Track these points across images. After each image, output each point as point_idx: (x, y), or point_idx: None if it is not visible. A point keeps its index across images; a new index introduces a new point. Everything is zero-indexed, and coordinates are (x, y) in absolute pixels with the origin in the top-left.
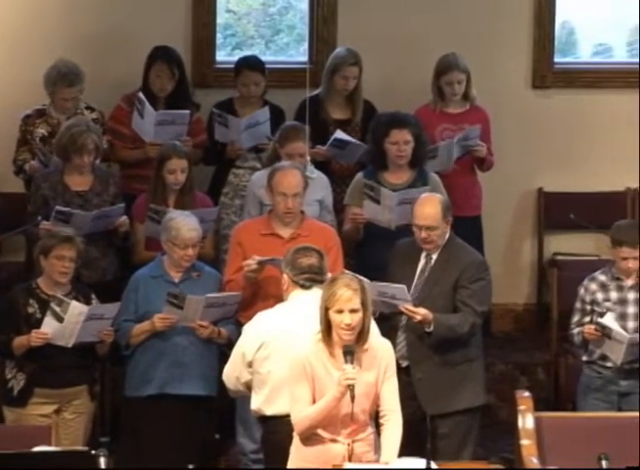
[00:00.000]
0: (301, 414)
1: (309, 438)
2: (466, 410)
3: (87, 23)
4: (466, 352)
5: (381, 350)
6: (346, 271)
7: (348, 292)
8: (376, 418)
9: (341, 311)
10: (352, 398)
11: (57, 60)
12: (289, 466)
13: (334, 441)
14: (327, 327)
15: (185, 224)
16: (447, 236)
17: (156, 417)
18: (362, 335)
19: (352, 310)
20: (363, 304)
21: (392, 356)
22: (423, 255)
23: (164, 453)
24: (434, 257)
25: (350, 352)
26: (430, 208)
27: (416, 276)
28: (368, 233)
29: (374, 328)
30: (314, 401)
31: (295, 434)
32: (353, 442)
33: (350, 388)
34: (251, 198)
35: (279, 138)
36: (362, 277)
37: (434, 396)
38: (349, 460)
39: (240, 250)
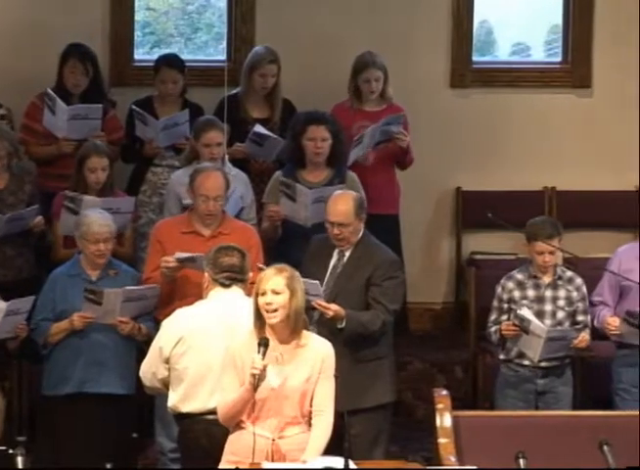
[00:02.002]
0: (221, 402)
1: (238, 430)
2: (376, 407)
3: (5, 19)
4: (376, 349)
5: (319, 349)
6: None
7: (271, 272)
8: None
9: (264, 292)
10: (255, 388)
11: None
12: (223, 457)
13: (259, 435)
14: (259, 317)
15: (96, 219)
16: (361, 234)
17: (73, 416)
18: (290, 322)
19: (274, 292)
20: (289, 288)
21: (332, 358)
22: (336, 251)
23: (82, 453)
24: (347, 254)
25: (264, 344)
26: (342, 204)
27: (328, 273)
28: (286, 231)
29: None
30: None
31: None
32: (279, 438)
33: (255, 377)
34: (172, 196)
35: (195, 132)
36: None
37: (344, 392)
38: (272, 457)
39: (160, 248)
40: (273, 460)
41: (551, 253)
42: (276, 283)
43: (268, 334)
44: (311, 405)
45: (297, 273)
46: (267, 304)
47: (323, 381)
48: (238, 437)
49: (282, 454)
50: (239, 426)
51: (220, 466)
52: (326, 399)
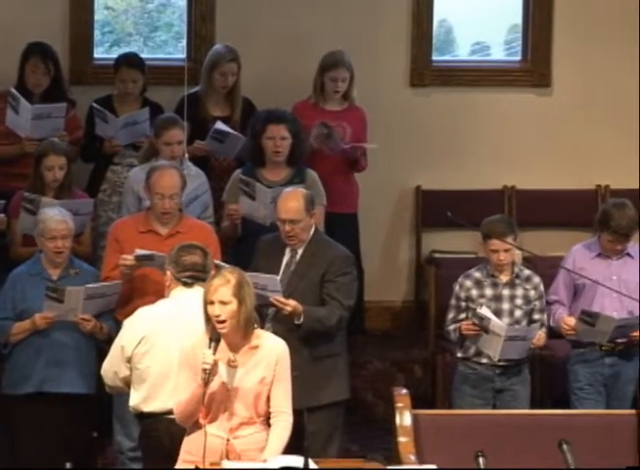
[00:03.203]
0: (175, 401)
1: (194, 429)
2: (331, 404)
3: None
4: (331, 346)
5: (273, 349)
6: (226, 265)
7: (219, 283)
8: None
9: (212, 303)
10: (206, 383)
11: None
12: (179, 457)
13: (214, 434)
14: (208, 319)
15: (53, 216)
16: (312, 231)
17: (33, 416)
18: (240, 329)
19: (222, 302)
20: (236, 296)
21: (287, 357)
22: (287, 249)
23: (41, 452)
24: (300, 251)
25: (216, 340)
26: (292, 201)
27: (281, 270)
28: (246, 230)
29: None
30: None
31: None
32: (234, 438)
33: (206, 372)
34: (130, 194)
35: (155, 129)
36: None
37: (301, 389)
38: (227, 457)
39: (117, 246)
40: (228, 460)
41: (506, 251)
42: (223, 294)
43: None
44: (268, 406)
45: (246, 276)
46: (215, 316)
47: (279, 381)
48: (193, 436)
49: (237, 454)
50: (195, 426)
51: (177, 466)
52: (284, 400)
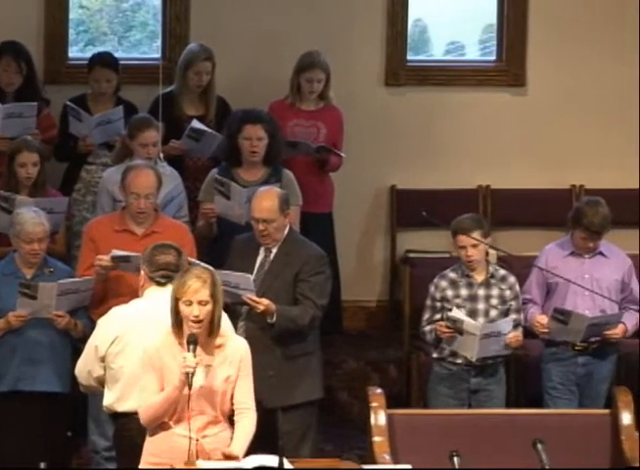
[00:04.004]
0: (145, 404)
1: (159, 431)
2: (304, 404)
3: None
4: (305, 345)
5: (237, 348)
6: (200, 263)
7: (197, 283)
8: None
9: (189, 303)
10: (190, 386)
11: None
12: (142, 459)
13: (182, 435)
14: (177, 318)
15: (30, 218)
16: (286, 230)
17: (7, 414)
18: (213, 328)
19: (200, 302)
20: (213, 296)
21: (248, 355)
22: (262, 249)
23: (16, 451)
24: (274, 250)
25: (194, 342)
26: (266, 201)
27: (255, 270)
28: (221, 229)
29: (228, 325)
30: None
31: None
32: (202, 437)
33: (189, 376)
34: (104, 194)
35: (130, 130)
36: (205, 265)
37: (274, 389)
38: (197, 456)
39: (93, 246)
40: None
41: (473, 246)
42: (203, 295)
43: (180, 338)
44: (231, 404)
45: (217, 276)
46: (195, 316)
47: (243, 379)
48: (159, 438)
49: (206, 453)
50: (160, 427)
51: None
52: (247, 396)
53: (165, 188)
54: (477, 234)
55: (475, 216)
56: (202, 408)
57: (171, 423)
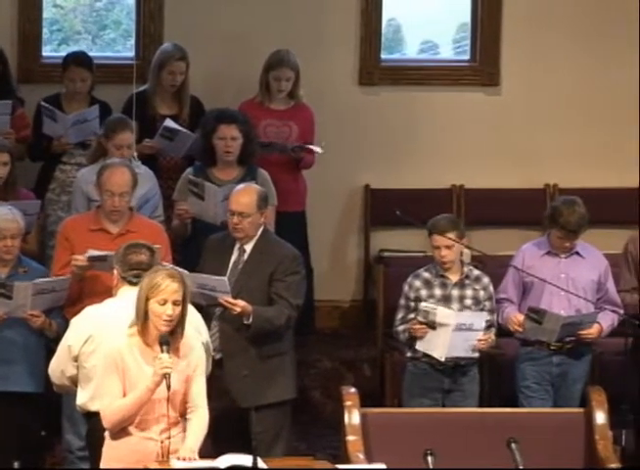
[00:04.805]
0: (111, 407)
1: (122, 435)
2: (277, 404)
3: None
4: (278, 345)
5: (193, 349)
6: (165, 264)
7: (174, 284)
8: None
9: (164, 302)
10: (168, 387)
11: None
12: (101, 466)
13: (147, 438)
14: (145, 317)
15: (3, 215)
16: (261, 229)
17: None
18: (177, 329)
19: (175, 302)
20: (184, 297)
21: (204, 355)
22: (236, 248)
23: None
24: (248, 250)
25: (167, 342)
26: (245, 195)
27: (229, 269)
28: (196, 229)
29: (202, 325)
30: (124, 396)
31: (107, 432)
32: (167, 439)
33: (166, 377)
34: (79, 194)
35: (105, 131)
36: (183, 269)
37: (247, 389)
38: (164, 458)
39: (67, 245)
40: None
41: (448, 247)
42: (178, 294)
43: (145, 337)
44: (186, 401)
45: (185, 273)
46: (168, 315)
47: (197, 377)
48: (123, 442)
49: (170, 454)
50: (123, 431)
51: None
52: (200, 395)
53: (141, 189)
54: (452, 235)
55: (450, 217)
56: (163, 410)
57: (133, 426)
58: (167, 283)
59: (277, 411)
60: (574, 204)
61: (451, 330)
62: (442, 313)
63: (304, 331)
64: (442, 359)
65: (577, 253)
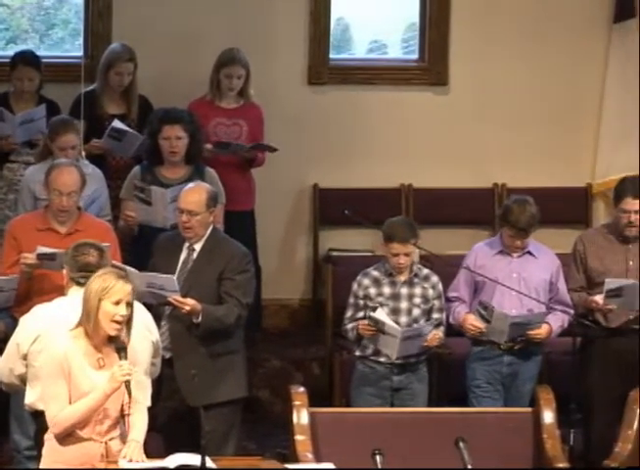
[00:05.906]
0: (64, 413)
1: (65, 438)
2: (227, 402)
3: None
4: (228, 343)
5: (133, 347)
6: (115, 262)
7: (127, 285)
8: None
9: (118, 303)
10: (129, 393)
11: None
12: (46, 466)
13: (90, 439)
14: (96, 318)
15: None
16: (210, 228)
17: None
18: (128, 330)
19: (128, 303)
20: (133, 297)
21: (145, 351)
22: (185, 246)
23: None
24: (197, 248)
25: (124, 348)
26: (194, 193)
27: (178, 268)
28: (144, 228)
29: (152, 324)
30: (70, 399)
31: (47, 435)
32: (110, 440)
33: (126, 383)
34: (26, 192)
35: (49, 132)
36: (131, 268)
37: (196, 387)
38: (107, 458)
39: (15, 244)
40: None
41: (406, 254)
42: (131, 296)
43: (83, 339)
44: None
45: (134, 272)
46: (122, 316)
47: (135, 373)
48: (66, 445)
49: (114, 455)
50: (71, 435)
51: None
52: (141, 390)
53: (88, 189)
54: (411, 243)
55: (408, 223)
56: (106, 412)
57: (76, 429)
58: (121, 284)
59: (227, 410)
60: (526, 203)
61: (399, 340)
62: (390, 328)
63: (253, 330)
64: (393, 358)
65: (530, 252)
